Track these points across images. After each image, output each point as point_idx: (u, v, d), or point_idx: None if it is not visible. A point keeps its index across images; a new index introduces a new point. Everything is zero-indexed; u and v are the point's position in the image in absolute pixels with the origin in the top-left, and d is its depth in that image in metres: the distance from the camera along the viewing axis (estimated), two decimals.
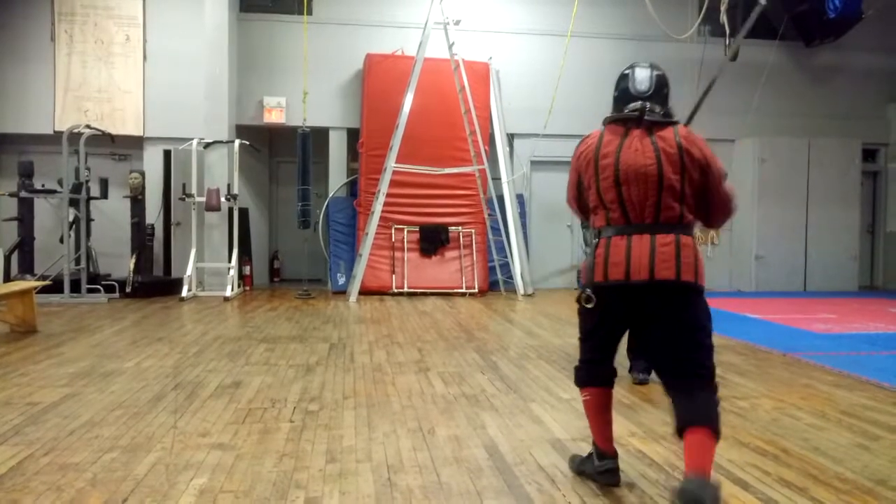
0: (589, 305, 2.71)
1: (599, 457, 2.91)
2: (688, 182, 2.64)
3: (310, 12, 10.50)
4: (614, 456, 2.91)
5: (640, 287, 2.61)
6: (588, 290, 2.71)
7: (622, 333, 2.83)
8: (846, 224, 11.50)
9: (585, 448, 3.33)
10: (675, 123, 2.73)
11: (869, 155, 12.16)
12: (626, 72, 2.85)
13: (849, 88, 11.99)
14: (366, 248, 9.68)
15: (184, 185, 9.91)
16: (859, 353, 5.93)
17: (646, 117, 2.69)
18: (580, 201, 2.93)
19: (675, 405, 2.61)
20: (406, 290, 9.95)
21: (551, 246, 11.33)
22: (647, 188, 2.63)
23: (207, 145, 9.90)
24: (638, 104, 2.73)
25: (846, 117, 11.90)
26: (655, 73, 2.82)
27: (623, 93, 2.81)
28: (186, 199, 9.77)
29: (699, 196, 2.70)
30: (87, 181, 9.16)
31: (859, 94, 12.01)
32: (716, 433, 2.52)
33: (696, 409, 2.55)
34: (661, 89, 2.79)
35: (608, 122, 2.81)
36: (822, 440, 3.50)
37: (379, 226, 9.84)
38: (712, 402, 2.58)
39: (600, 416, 2.91)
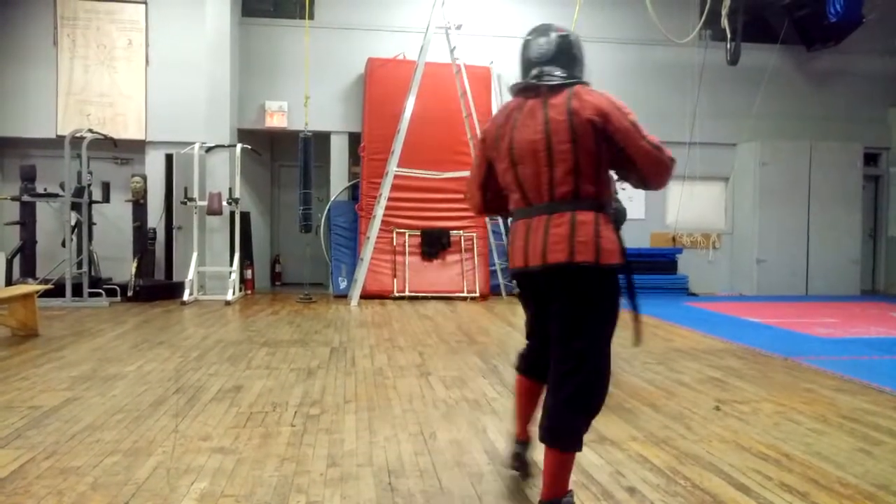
0: (514, 293, 2.71)
1: (514, 440, 2.98)
2: (582, 150, 2.35)
3: (311, 17, 10.53)
4: (522, 441, 2.95)
5: (537, 273, 2.42)
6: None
7: (544, 322, 2.58)
8: (848, 228, 11.49)
9: (587, 453, 3.33)
10: (570, 85, 2.44)
11: (870, 159, 12.15)
12: (527, 37, 2.62)
13: (850, 92, 11.99)
14: (367, 252, 9.68)
15: (185, 189, 9.94)
16: (861, 358, 5.92)
17: (543, 82, 2.45)
18: (485, 191, 2.75)
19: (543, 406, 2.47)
20: (407, 293, 9.95)
21: None
22: (537, 165, 2.41)
23: (209, 149, 9.92)
24: (535, 70, 2.51)
25: (847, 121, 11.90)
26: (556, 34, 2.55)
27: (524, 62, 2.60)
28: (188, 203, 9.79)
29: (606, 161, 2.40)
30: (89, 185, 9.18)
31: (861, 97, 12.01)
32: (563, 449, 2.38)
33: (549, 419, 2.40)
34: (563, 52, 2.52)
35: (512, 94, 2.63)
36: (824, 445, 3.50)
37: (380, 230, 9.85)
38: (572, 408, 2.38)
39: (519, 401, 2.94)
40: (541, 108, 2.43)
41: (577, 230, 2.33)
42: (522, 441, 2.96)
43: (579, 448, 2.43)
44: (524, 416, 2.92)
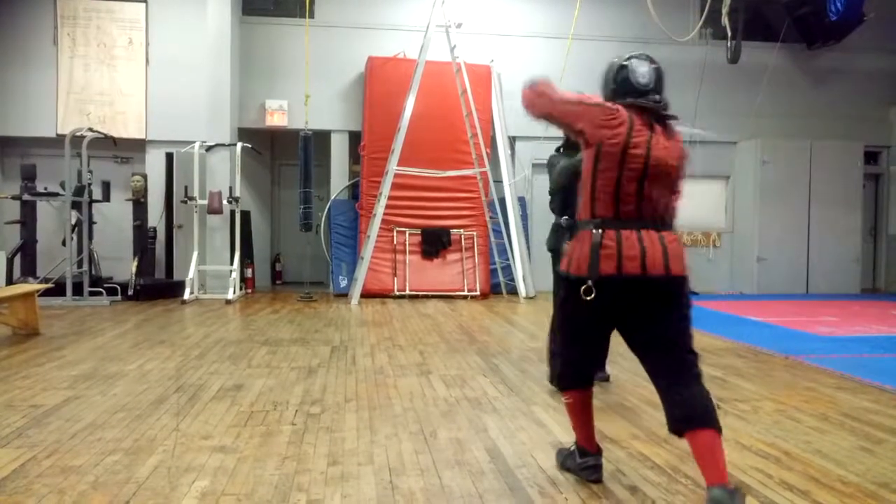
0: (589, 298, 2.59)
1: (582, 454, 2.96)
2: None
3: (312, 15, 10.52)
4: (597, 453, 2.96)
5: (652, 281, 2.63)
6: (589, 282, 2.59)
7: (605, 332, 2.83)
8: (848, 226, 11.48)
9: None
10: (673, 118, 2.74)
11: (871, 157, 12.15)
12: (626, 62, 2.74)
13: (851, 91, 11.99)
14: (367, 251, 9.69)
15: (186, 188, 9.94)
16: (862, 356, 5.92)
17: (662, 110, 2.69)
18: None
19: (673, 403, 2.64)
20: (408, 292, 9.95)
21: None
22: (664, 186, 2.67)
23: (209, 148, 9.92)
24: (651, 96, 2.67)
25: (848, 119, 11.89)
26: (655, 66, 2.76)
27: (625, 83, 2.70)
28: (188, 202, 9.79)
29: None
30: (89, 184, 9.18)
31: (861, 96, 12.00)
32: (720, 431, 2.53)
33: (695, 405, 2.58)
34: (661, 82, 2.76)
35: (628, 106, 2.66)
36: (825, 443, 3.50)
37: (381, 228, 9.85)
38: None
39: (584, 415, 2.96)
40: (666, 136, 2.67)
41: (681, 247, 2.71)
42: (596, 452, 2.97)
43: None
44: (590, 426, 2.97)
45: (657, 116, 2.66)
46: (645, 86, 2.67)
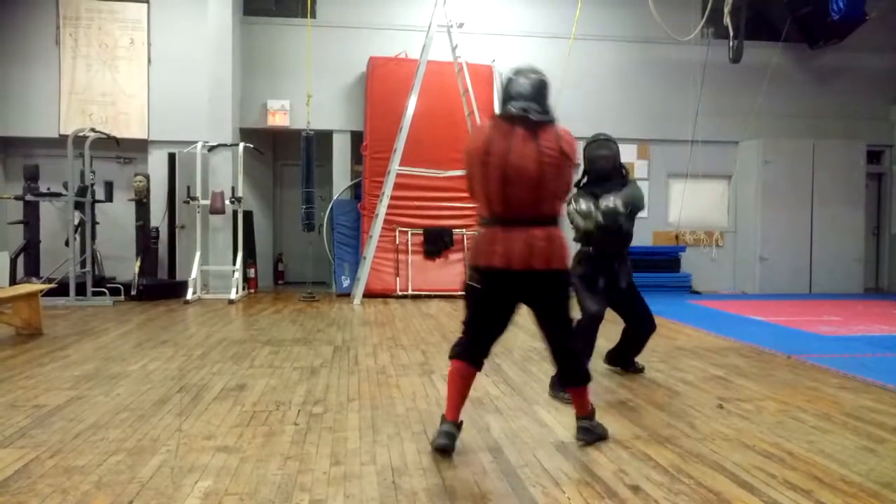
0: (472, 283, 3.20)
1: (442, 420, 3.29)
2: (562, 180, 3.09)
3: (313, 15, 10.53)
4: (452, 421, 3.28)
5: (523, 275, 3.08)
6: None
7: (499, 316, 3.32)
8: (851, 226, 11.46)
9: (591, 451, 3.34)
10: (552, 122, 3.06)
11: (874, 157, 12.12)
12: (511, 76, 3.18)
13: (853, 90, 11.96)
14: (370, 251, 9.69)
15: (188, 189, 9.95)
16: (864, 356, 5.91)
17: (531, 116, 2.99)
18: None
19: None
20: (410, 292, 9.95)
21: None
22: (526, 186, 2.99)
23: (212, 148, 9.93)
24: (521, 104, 3.01)
25: (850, 119, 11.87)
26: (536, 76, 3.12)
27: (505, 95, 3.13)
28: (191, 203, 9.80)
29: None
30: (92, 184, 9.21)
31: (864, 95, 11.98)
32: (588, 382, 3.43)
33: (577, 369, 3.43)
34: (541, 93, 3.08)
35: (503, 116, 3.12)
36: (828, 443, 3.49)
37: (383, 228, 9.85)
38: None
39: (459, 388, 3.34)
40: (532, 138, 2.96)
41: (551, 244, 3.05)
42: (453, 421, 3.29)
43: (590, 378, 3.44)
44: (464, 399, 3.37)
45: (526, 122, 2.98)
46: (519, 94, 3.02)
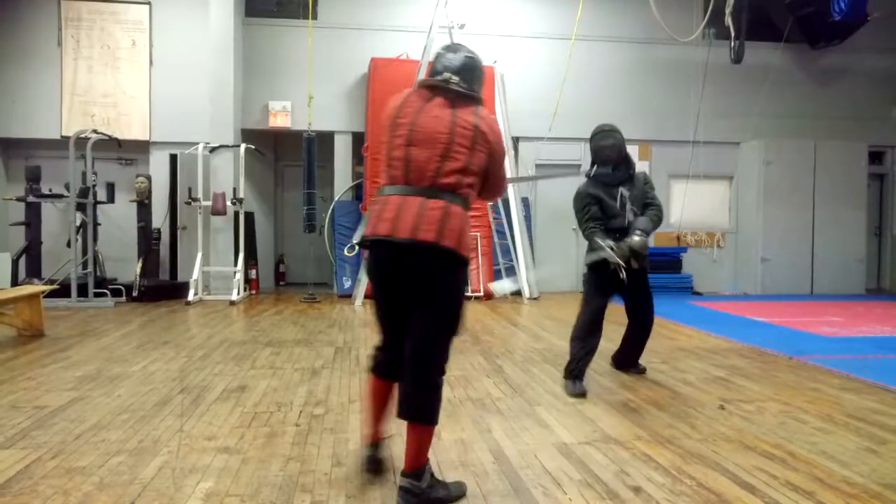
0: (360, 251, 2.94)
1: (365, 441, 3.02)
2: (475, 157, 2.73)
3: (315, 17, 10.53)
4: (371, 444, 2.97)
5: (400, 246, 2.63)
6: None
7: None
8: (853, 226, 11.45)
9: (592, 452, 3.33)
10: (475, 100, 2.84)
11: (875, 157, 12.12)
12: (440, 51, 2.99)
13: (855, 90, 11.95)
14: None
15: (190, 190, 9.96)
16: (866, 357, 5.91)
17: (451, 86, 2.80)
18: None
19: None
20: None
21: (556, 249, 11.32)
22: (432, 152, 2.70)
23: (213, 149, 9.93)
24: (445, 75, 2.84)
25: (852, 119, 11.86)
26: (464, 53, 2.93)
27: (433, 69, 2.95)
28: (192, 204, 9.81)
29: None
30: (93, 186, 9.22)
31: (865, 96, 11.97)
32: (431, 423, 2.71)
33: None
34: (468, 69, 2.88)
35: (416, 87, 2.94)
36: (829, 444, 3.49)
37: None
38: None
39: (373, 405, 2.95)
40: (449, 107, 2.77)
41: (448, 219, 2.63)
42: (374, 443, 2.99)
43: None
44: (381, 417, 2.97)
45: (446, 93, 2.80)
46: (445, 68, 2.86)
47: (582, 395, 4.41)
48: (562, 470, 3.10)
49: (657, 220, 4.71)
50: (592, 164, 4.83)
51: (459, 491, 2.80)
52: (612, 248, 4.47)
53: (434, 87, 2.83)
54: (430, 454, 3.26)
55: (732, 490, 2.86)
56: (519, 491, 2.86)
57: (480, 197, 2.90)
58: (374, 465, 2.96)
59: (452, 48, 2.97)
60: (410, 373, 2.66)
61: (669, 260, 11.20)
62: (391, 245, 2.63)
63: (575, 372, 4.56)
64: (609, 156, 4.70)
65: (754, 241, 11.42)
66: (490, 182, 2.85)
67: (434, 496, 2.68)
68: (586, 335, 4.63)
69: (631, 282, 4.59)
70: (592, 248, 4.66)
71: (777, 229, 11.28)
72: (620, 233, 4.61)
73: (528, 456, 3.28)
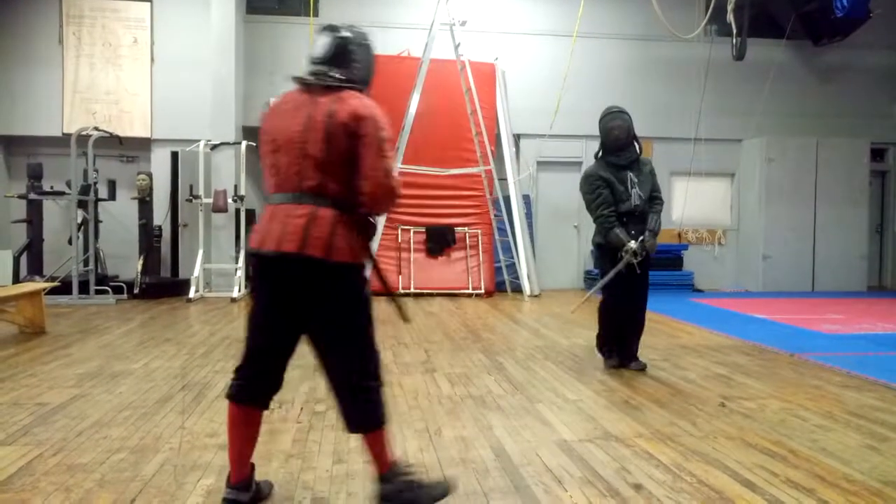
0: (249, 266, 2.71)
1: (227, 481, 2.58)
2: (335, 151, 2.44)
3: (316, 14, 10.52)
4: (236, 485, 2.55)
5: (271, 259, 2.48)
6: None
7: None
8: (854, 224, 11.43)
9: (593, 450, 3.34)
10: (341, 88, 2.54)
11: (877, 154, 12.08)
12: (316, 35, 2.72)
13: (857, 88, 11.92)
14: (372, 249, 9.67)
15: (191, 187, 9.96)
16: (867, 354, 5.90)
17: (318, 81, 2.54)
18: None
19: None
20: (412, 290, 9.95)
21: (558, 246, 11.32)
22: (291, 156, 2.49)
23: (214, 147, 9.93)
24: (313, 68, 2.58)
25: (854, 116, 11.83)
26: (336, 35, 2.63)
27: (308, 60, 2.67)
28: (194, 201, 9.81)
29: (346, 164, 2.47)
30: (95, 183, 9.22)
31: (867, 93, 11.94)
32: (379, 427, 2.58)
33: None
34: (341, 53, 2.60)
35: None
36: (830, 441, 3.49)
37: (385, 227, 9.85)
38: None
39: (236, 437, 2.60)
40: (307, 105, 2.50)
41: (313, 225, 2.41)
42: (236, 485, 2.56)
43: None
44: (243, 453, 2.61)
45: (312, 88, 2.55)
46: (317, 58, 2.60)
47: (618, 367, 5.00)
48: (563, 467, 3.10)
49: (660, 217, 5.00)
50: (600, 146, 4.93)
51: (441, 490, 2.66)
52: (634, 253, 4.70)
53: (304, 82, 2.58)
54: (431, 452, 3.27)
55: (733, 487, 2.86)
56: (520, 488, 2.86)
57: (364, 197, 2.48)
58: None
59: (325, 32, 2.65)
60: (345, 392, 2.54)
61: (671, 257, 11.18)
62: (263, 258, 2.48)
63: (608, 347, 4.99)
64: (618, 136, 4.84)
65: (756, 239, 11.41)
66: (363, 171, 2.44)
67: (409, 496, 2.55)
68: (614, 309, 4.97)
69: (637, 273, 4.75)
70: (607, 237, 4.76)
71: (778, 226, 11.26)
72: (627, 216, 4.73)
73: (529, 453, 3.28)
